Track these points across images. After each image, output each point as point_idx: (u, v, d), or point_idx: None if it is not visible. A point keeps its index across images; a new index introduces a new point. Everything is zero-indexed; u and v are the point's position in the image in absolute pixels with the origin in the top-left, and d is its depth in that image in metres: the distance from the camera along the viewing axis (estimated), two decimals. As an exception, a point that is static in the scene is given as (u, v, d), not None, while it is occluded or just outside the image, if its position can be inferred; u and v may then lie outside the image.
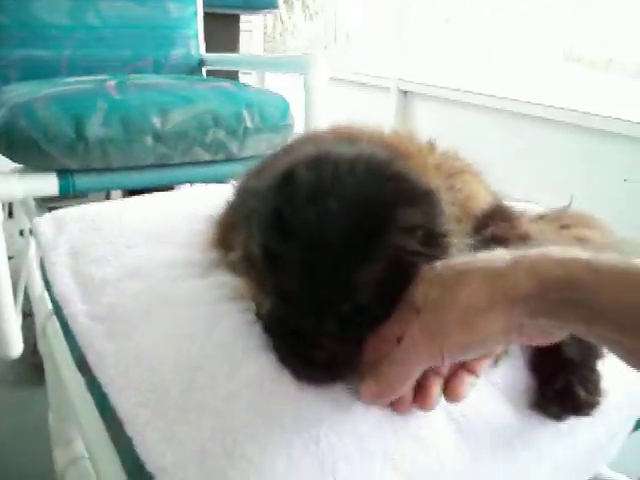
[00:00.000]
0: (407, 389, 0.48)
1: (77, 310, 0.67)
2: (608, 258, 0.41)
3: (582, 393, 0.55)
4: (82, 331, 0.65)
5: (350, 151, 0.51)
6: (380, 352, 0.48)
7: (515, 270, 0.43)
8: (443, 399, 0.50)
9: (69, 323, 0.69)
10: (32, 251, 1.50)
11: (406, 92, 3.18)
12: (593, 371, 0.57)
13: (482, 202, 0.66)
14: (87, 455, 0.97)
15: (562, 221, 0.79)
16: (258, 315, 0.56)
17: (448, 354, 0.45)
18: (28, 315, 1.52)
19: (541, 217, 0.80)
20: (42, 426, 1.16)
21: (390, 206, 0.47)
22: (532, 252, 0.44)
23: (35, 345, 1.21)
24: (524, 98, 2.61)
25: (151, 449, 0.48)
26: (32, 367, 1.50)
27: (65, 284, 0.73)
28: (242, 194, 0.65)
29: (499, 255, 0.46)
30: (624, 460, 0.73)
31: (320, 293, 0.46)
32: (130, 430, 0.51)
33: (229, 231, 0.65)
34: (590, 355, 0.57)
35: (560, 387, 0.56)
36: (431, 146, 0.70)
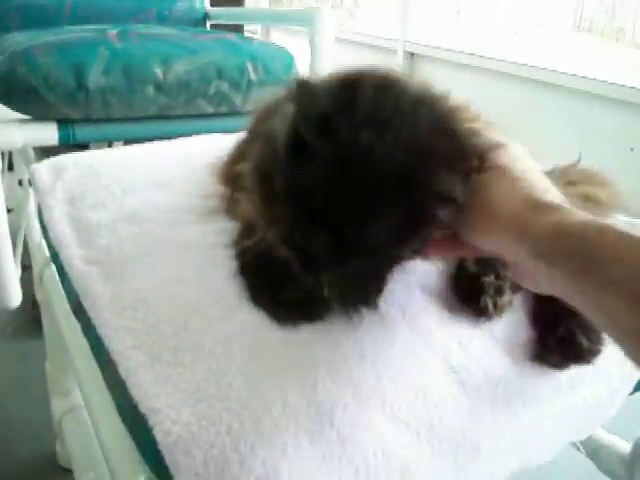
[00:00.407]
0: None
1: (73, 254, 0.66)
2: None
3: (584, 341, 0.55)
4: (78, 274, 0.63)
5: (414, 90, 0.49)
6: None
7: (547, 212, 0.44)
8: (443, 349, 0.49)
9: (65, 267, 0.68)
10: (31, 202, 1.49)
11: (413, 54, 3.14)
12: None
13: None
14: (84, 404, 0.96)
15: (569, 177, 0.78)
16: (241, 253, 0.55)
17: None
18: (28, 267, 1.51)
19: (548, 173, 0.78)
20: (41, 376, 1.16)
21: (437, 161, 0.45)
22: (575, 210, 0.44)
23: (34, 297, 1.21)
24: (532, 63, 2.57)
25: (145, 390, 0.48)
26: (32, 319, 1.50)
27: (61, 229, 0.72)
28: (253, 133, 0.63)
29: (550, 189, 0.48)
30: (618, 423, 0.73)
31: (342, 204, 0.43)
32: (124, 372, 0.50)
33: (236, 167, 0.63)
34: None
35: (562, 335, 0.55)
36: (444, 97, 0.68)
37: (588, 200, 0.74)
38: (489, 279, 0.56)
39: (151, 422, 0.45)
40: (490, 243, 0.47)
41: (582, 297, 0.41)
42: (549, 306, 0.57)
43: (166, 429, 0.44)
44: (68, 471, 1.10)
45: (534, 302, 0.59)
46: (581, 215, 0.43)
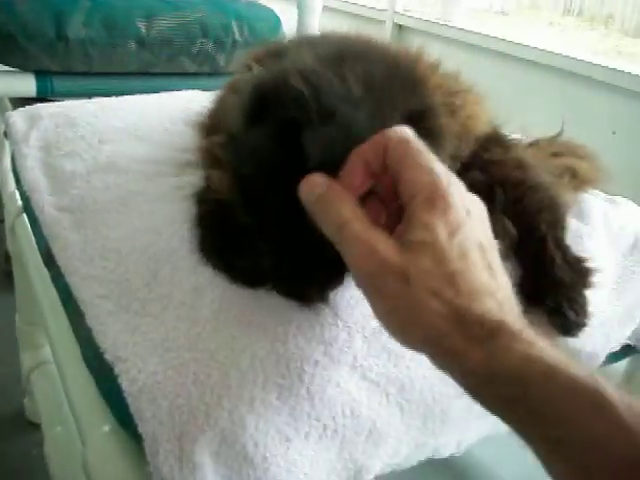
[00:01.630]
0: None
1: (45, 201, 0.65)
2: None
3: (571, 314, 0.55)
4: (49, 222, 0.62)
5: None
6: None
7: (475, 340, 0.36)
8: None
9: (37, 214, 0.66)
10: (6, 153, 1.45)
11: (401, 26, 3.11)
12: (581, 294, 0.57)
13: (482, 122, 0.65)
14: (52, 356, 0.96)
15: (554, 149, 0.77)
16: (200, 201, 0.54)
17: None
18: (1, 221, 1.49)
19: (533, 144, 0.78)
20: (11, 331, 1.14)
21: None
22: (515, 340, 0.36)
23: (7, 251, 1.19)
24: (519, 41, 2.56)
25: (112, 339, 0.47)
26: (4, 274, 1.47)
27: (34, 176, 0.71)
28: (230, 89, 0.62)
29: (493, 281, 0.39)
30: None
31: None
32: (91, 321, 0.50)
33: (217, 118, 0.62)
34: (580, 278, 0.57)
35: (549, 308, 0.55)
36: (435, 65, 0.67)
37: (571, 172, 0.74)
38: None
39: (117, 370, 0.45)
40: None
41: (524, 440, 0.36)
42: (535, 279, 0.57)
43: (132, 377, 0.44)
44: (36, 425, 1.09)
45: (520, 275, 0.58)
46: (524, 341, 0.36)
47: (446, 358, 0.37)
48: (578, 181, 0.75)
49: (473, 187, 0.62)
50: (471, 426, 0.59)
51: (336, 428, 0.47)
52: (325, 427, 0.47)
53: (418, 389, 0.52)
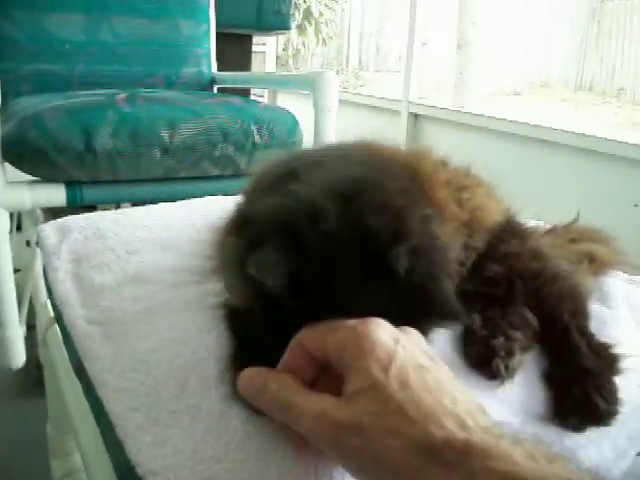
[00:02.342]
0: None
1: (76, 314, 0.67)
2: None
3: (602, 403, 0.54)
4: (80, 335, 0.64)
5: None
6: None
7: (451, 468, 0.35)
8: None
9: (68, 328, 0.68)
10: (38, 262, 1.50)
11: (417, 115, 3.19)
12: (609, 381, 0.56)
13: (493, 214, 0.66)
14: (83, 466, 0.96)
15: (571, 235, 0.78)
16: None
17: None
18: (32, 327, 1.52)
19: (549, 231, 0.79)
20: (42, 438, 1.15)
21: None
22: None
23: (38, 359, 1.21)
24: (533, 122, 2.61)
25: (143, 452, 0.47)
26: (35, 381, 1.49)
27: (66, 289, 0.73)
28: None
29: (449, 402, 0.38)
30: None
31: None
32: (122, 434, 0.50)
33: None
34: (607, 366, 0.57)
35: (578, 397, 0.55)
36: (443, 163, 0.69)
37: (589, 257, 0.75)
38: (499, 341, 0.56)
39: (149, 484, 0.45)
40: None
41: None
42: (563, 366, 0.57)
43: (163, 491, 0.44)
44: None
45: (547, 363, 0.59)
46: (498, 458, 0.35)
47: None
48: (597, 265, 0.76)
49: (492, 280, 0.63)
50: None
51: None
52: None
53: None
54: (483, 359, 0.56)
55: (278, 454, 0.46)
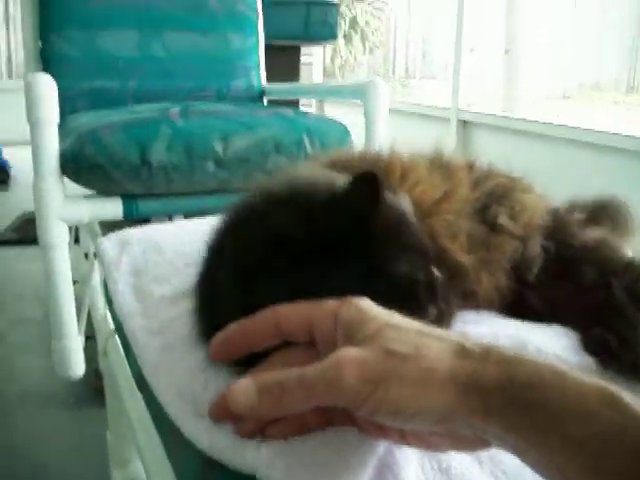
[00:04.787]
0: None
1: (136, 325, 0.68)
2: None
3: None
4: (140, 345, 0.65)
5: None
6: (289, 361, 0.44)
7: (486, 358, 0.38)
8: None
9: (129, 339, 0.69)
10: (96, 275, 1.54)
11: (465, 122, 3.17)
12: None
13: (541, 213, 0.67)
14: (144, 476, 0.97)
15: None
16: None
17: (376, 406, 0.37)
18: (90, 338, 1.55)
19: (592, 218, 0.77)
20: (100, 447, 1.17)
21: None
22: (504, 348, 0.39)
23: (97, 368, 1.23)
24: (583, 125, 2.57)
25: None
26: (93, 390, 1.52)
27: (126, 301, 0.74)
28: None
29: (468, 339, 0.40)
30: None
31: None
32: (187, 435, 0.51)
33: None
34: None
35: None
36: (469, 165, 0.70)
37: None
38: None
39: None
40: (420, 416, 0.37)
41: (538, 454, 0.35)
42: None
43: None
44: None
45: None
46: (526, 358, 0.37)
47: (467, 387, 0.37)
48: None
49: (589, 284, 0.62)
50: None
51: None
52: None
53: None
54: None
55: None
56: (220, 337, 0.47)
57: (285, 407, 0.40)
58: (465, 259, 0.59)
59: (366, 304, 0.42)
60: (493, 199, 0.65)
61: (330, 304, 0.43)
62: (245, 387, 0.41)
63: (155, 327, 0.67)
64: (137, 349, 0.67)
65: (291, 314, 0.44)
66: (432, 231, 0.58)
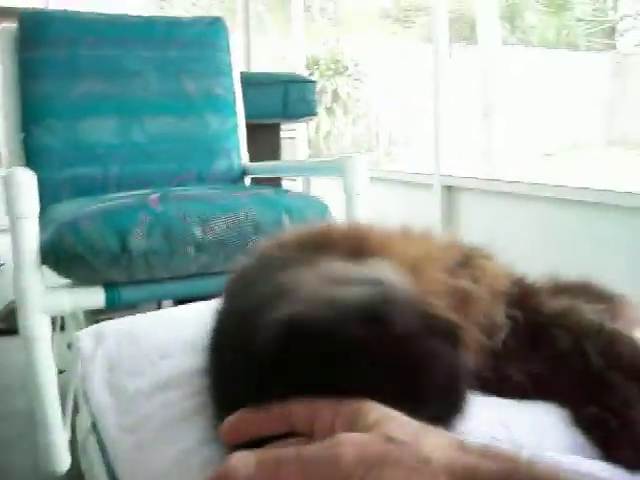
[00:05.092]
0: None
1: (109, 422, 0.67)
2: None
3: None
4: (113, 443, 0.64)
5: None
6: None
7: (484, 455, 0.39)
8: None
9: (102, 436, 0.68)
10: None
11: (449, 187, 3.20)
12: None
13: (503, 282, 0.67)
14: None
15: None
16: None
17: None
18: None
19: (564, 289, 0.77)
20: None
21: None
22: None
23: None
24: (566, 183, 2.59)
25: None
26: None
27: (101, 397, 0.74)
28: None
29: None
30: None
31: None
32: None
33: None
34: None
35: None
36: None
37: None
38: None
39: None
40: None
41: None
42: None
43: None
44: None
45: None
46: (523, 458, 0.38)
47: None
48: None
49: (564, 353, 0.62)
50: None
51: None
52: None
53: None
54: (636, 464, 0.53)
55: None
56: (235, 418, 0.46)
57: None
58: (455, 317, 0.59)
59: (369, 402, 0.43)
60: (456, 265, 0.66)
61: (334, 400, 0.44)
62: (245, 456, 0.41)
63: (128, 424, 0.66)
64: (110, 447, 0.66)
65: (300, 406, 0.44)
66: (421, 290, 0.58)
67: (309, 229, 0.71)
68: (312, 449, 0.40)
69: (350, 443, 0.39)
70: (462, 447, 0.39)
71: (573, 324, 0.63)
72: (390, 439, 0.39)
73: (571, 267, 0.77)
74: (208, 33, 2.06)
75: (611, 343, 0.61)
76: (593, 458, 0.54)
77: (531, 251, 2.28)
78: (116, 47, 1.91)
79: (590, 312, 0.66)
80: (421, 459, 0.38)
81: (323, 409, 0.44)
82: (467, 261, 0.67)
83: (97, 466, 0.79)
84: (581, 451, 0.55)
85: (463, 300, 0.62)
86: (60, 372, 1.45)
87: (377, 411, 0.42)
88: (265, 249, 0.70)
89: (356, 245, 0.63)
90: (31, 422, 1.48)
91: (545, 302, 0.66)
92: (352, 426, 0.41)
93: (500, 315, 0.64)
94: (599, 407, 0.56)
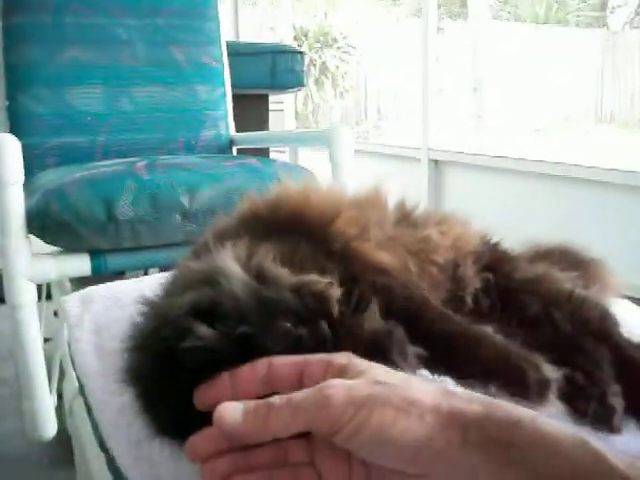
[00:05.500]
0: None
1: (95, 385, 0.68)
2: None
3: None
4: (99, 407, 0.64)
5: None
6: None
7: (470, 400, 0.40)
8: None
9: (89, 399, 0.69)
10: (66, 332, 1.52)
11: (437, 161, 3.21)
12: None
13: (473, 241, 0.69)
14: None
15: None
16: None
17: (357, 428, 0.39)
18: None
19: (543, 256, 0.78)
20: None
21: None
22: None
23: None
24: (557, 159, 2.61)
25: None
26: (68, 450, 1.49)
27: (86, 360, 0.74)
28: None
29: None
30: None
31: None
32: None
33: None
34: None
35: None
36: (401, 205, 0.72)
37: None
38: (617, 399, 0.56)
39: None
40: (398, 444, 0.39)
41: None
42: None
43: None
44: None
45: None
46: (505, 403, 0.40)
47: (449, 420, 0.39)
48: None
49: (532, 317, 0.63)
50: None
51: None
52: None
53: None
54: (601, 418, 0.54)
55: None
56: (208, 384, 0.46)
57: (270, 428, 0.41)
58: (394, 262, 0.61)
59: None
60: (421, 222, 0.68)
61: (323, 354, 0.45)
62: (232, 406, 0.41)
63: (113, 387, 0.66)
64: (96, 410, 0.66)
65: (285, 361, 0.45)
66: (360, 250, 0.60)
67: (267, 197, 0.72)
68: (302, 394, 0.41)
69: (340, 387, 0.40)
70: (449, 392, 0.41)
71: (543, 291, 0.64)
72: (379, 382, 0.41)
73: (552, 238, 0.78)
74: (197, 2, 2.04)
75: (579, 309, 0.63)
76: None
77: (515, 222, 2.30)
78: (103, 15, 1.88)
79: (563, 279, 0.67)
80: (408, 400, 0.39)
81: (312, 364, 0.44)
82: (441, 221, 0.69)
83: (84, 428, 0.80)
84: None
85: (421, 245, 0.64)
86: (46, 340, 1.45)
87: (365, 362, 0.44)
88: (219, 224, 0.72)
89: (298, 210, 0.65)
90: (19, 390, 1.48)
91: (518, 269, 0.67)
92: (342, 375, 0.42)
93: (469, 269, 0.65)
94: (569, 368, 0.57)
